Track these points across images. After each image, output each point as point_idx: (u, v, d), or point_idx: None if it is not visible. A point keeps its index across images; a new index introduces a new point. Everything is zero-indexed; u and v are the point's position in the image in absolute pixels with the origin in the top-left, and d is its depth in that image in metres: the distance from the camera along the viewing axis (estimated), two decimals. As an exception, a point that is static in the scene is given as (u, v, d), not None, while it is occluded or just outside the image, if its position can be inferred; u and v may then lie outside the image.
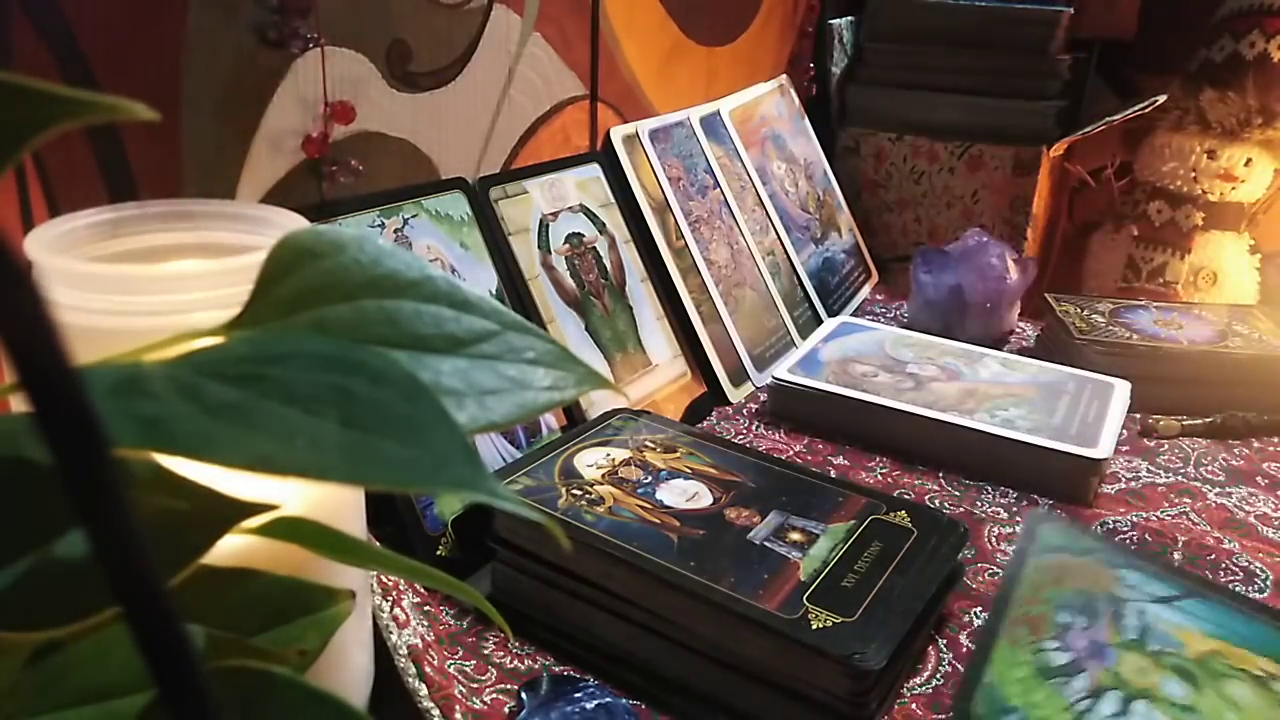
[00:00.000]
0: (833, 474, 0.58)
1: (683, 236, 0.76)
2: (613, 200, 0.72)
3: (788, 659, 0.39)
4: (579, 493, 0.45)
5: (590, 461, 0.49)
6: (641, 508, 0.45)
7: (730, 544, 0.42)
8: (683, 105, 0.84)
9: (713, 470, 0.49)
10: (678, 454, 0.50)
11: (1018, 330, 0.90)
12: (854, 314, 0.93)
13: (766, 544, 0.43)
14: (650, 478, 0.47)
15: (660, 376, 0.69)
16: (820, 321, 0.88)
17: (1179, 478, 0.65)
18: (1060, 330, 0.79)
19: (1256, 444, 0.70)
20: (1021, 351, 0.82)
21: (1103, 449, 0.60)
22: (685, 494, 0.46)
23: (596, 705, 0.40)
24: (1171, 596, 0.39)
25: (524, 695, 0.41)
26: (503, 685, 0.42)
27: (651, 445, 0.51)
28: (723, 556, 0.39)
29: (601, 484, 0.46)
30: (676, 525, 0.44)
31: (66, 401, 0.11)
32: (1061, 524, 0.41)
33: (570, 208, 0.68)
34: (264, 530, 0.20)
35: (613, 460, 0.49)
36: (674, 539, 0.43)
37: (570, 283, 0.65)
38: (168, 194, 0.43)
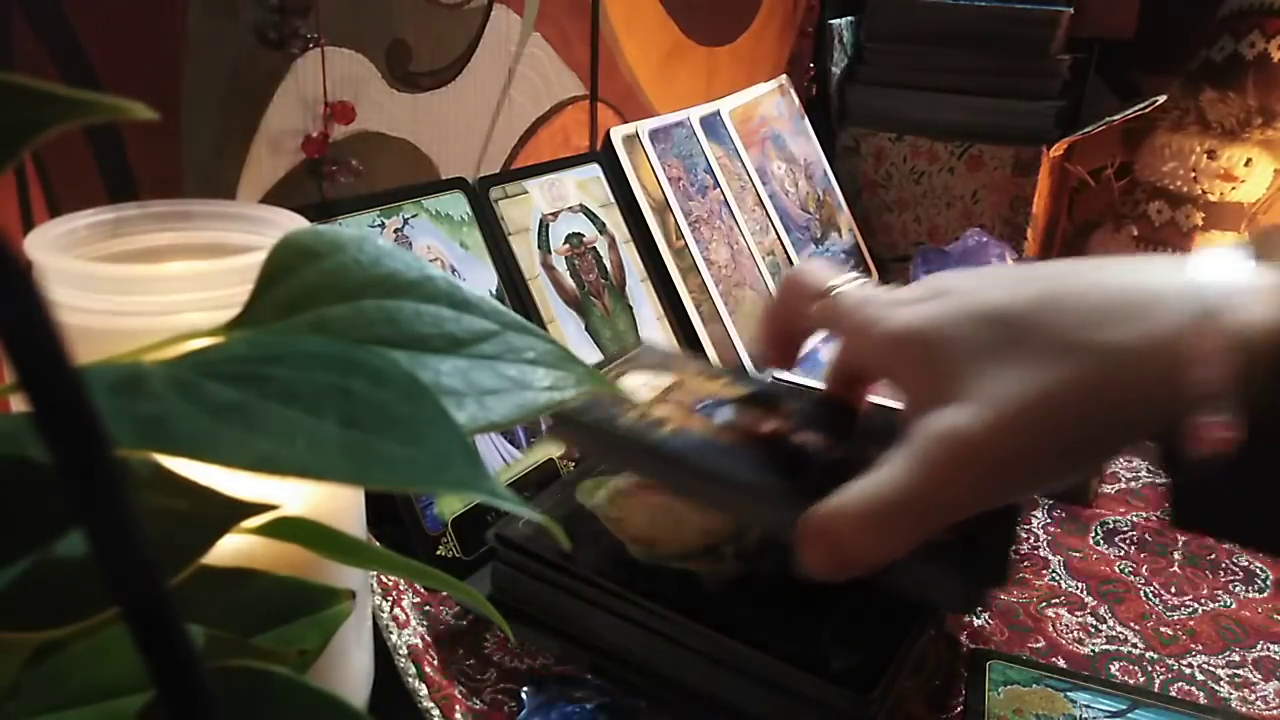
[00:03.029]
0: None
1: (683, 236, 0.76)
2: (613, 200, 0.72)
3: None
4: (638, 414, 0.41)
5: (638, 384, 0.44)
6: (712, 428, 0.40)
7: (823, 464, 0.38)
8: (683, 105, 0.84)
9: (761, 397, 0.44)
10: (723, 381, 0.46)
11: (1018, 330, 0.90)
12: (854, 314, 0.92)
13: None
14: (708, 400, 0.43)
15: (660, 376, 0.69)
16: (820, 321, 0.88)
17: (1179, 478, 0.65)
18: (1060, 330, 0.79)
19: (1256, 444, 0.70)
20: (1021, 351, 0.82)
21: (1103, 449, 0.60)
22: (746, 415, 0.41)
23: (597, 705, 0.40)
24: (1120, 711, 0.41)
25: (524, 695, 0.41)
26: (503, 685, 0.42)
27: (695, 373, 0.46)
28: (826, 477, 0.34)
29: (659, 404, 0.41)
30: (760, 443, 0.39)
31: (66, 401, 0.11)
32: (1002, 659, 0.43)
33: (570, 208, 0.68)
34: (264, 530, 0.20)
35: (659, 387, 0.44)
36: (766, 456, 0.38)
37: (570, 283, 0.65)
38: (168, 194, 0.43)
